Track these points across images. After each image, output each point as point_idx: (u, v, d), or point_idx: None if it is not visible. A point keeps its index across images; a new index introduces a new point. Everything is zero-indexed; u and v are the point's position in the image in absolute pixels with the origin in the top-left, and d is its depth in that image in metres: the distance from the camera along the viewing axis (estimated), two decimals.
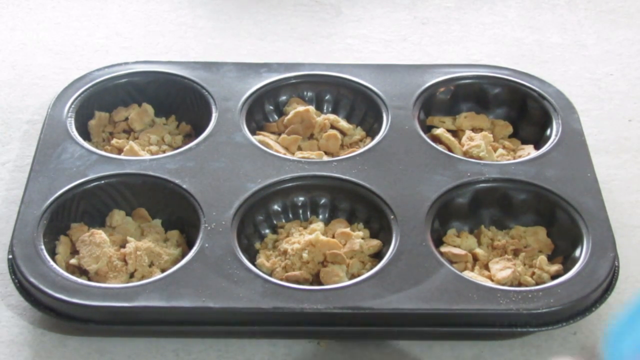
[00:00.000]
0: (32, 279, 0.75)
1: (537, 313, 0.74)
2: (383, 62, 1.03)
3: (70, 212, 0.83)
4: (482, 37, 1.12)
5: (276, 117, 0.95)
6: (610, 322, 0.43)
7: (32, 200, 0.82)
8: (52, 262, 0.77)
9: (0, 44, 1.09)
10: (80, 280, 0.76)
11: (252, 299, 0.74)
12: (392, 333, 0.77)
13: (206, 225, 0.80)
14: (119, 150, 0.90)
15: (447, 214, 0.83)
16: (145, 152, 0.90)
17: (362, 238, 0.82)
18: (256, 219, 0.83)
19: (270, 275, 0.78)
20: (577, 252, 0.79)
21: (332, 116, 0.94)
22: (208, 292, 0.74)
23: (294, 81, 0.96)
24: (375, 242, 0.81)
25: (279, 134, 0.92)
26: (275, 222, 0.84)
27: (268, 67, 0.97)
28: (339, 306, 0.74)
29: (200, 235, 0.79)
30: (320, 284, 0.78)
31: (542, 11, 1.16)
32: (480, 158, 0.88)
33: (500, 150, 0.90)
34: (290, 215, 0.84)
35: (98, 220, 0.84)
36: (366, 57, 1.07)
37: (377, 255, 0.81)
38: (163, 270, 0.79)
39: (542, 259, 0.80)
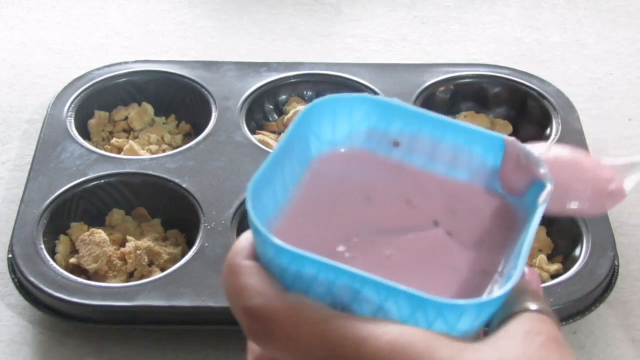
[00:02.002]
0: (32, 279, 0.75)
1: None
2: (383, 61, 1.03)
3: (70, 211, 0.83)
4: (482, 37, 1.12)
5: (276, 116, 0.95)
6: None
7: (32, 199, 0.82)
8: (52, 262, 0.77)
9: (0, 43, 1.09)
10: (80, 279, 0.76)
11: None
12: None
13: (206, 224, 0.80)
14: (119, 150, 0.90)
15: None
16: (145, 151, 0.90)
17: None
18: None
19: None
20: (577, 252, 0.79)
21: None
22: (208, 291, 0.74)
23: (294, 80, 0.96)
24: None
25: (279, 134, 0.92)
26: None
27: (268, 66, 0.97)
28: None
29: (200, 235, 0.79)
30: None
31: (542, 10, 1.16)
32: None
33: None
34: None
35: (98, 219, 0.84)
36: (366, 57, 1.07)
37: None
38: (163, 270, 0.79)
39: (541, 258, 0.80)
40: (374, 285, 0.40)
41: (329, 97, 0.48)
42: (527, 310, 0.41)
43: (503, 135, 0.47)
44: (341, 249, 0.44)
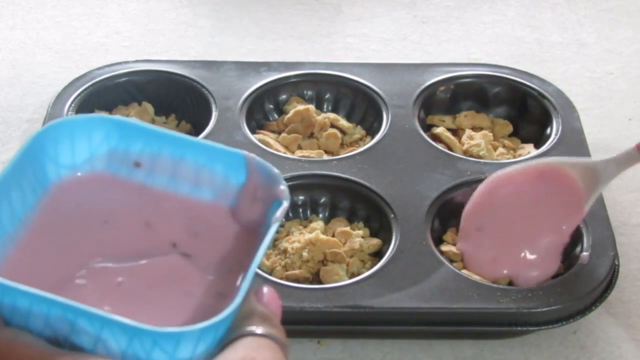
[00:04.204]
0: None
1: (537, 312, 0.74)
2: (383, 61, 1.03)
3: None
4: (482, 36, 1.12)
5: (276, 115, 0.95)
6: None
7: None
8: None
9: (0, 43, 1.09)
10: None
11: None
12: (392, 332, 0.77)
13: None
14: None
15: (447, 212, 0.83)
16: None
17: (362, 237, 0.82)
18: None
19: (270, 274, 0.78)
20: (577, 251, 0.79)
21: (332, 115, 0.94)
22: None
23: (294, 80, 0.96)
24: (375, 241, 0.81)
25: (279, 133, 0.92)
26: None
27: (268, 65, 0.97)
28: (339, 305, 0.74)
29: None
30: (320, 282, 0.78)
31: (542, 10, 1.16)
32: (480, 157, 0.88)
33: (500, 149, 0.90)
34: (290, 214, 0.84)
35: None
36: (366, 56, 1.07)
37: (377, 254, 0.81)
38: None
39: None
40: (85, 316, 0.39)
41: (64, 118, 0.47)
42: (251, 334, 0.40)
43: (243, 152, 0.47)
44: (72, 277, 0.43)
